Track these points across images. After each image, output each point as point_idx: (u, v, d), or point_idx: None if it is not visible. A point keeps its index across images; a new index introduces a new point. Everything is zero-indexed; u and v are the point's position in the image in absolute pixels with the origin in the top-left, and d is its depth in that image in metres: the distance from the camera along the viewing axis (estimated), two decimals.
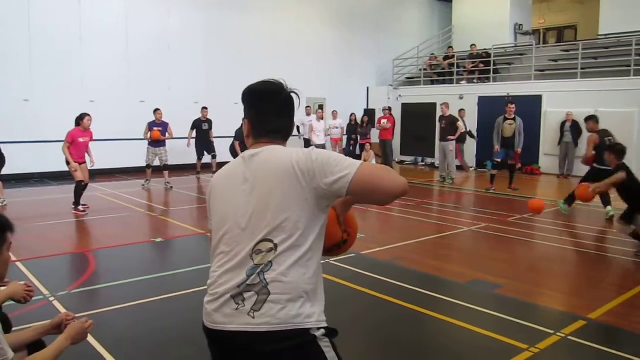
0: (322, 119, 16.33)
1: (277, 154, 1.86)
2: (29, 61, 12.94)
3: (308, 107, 16.86)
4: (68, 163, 8.98)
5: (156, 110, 12.33)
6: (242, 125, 2.07)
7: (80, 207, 9.09)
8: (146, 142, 12.45)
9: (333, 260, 6.15)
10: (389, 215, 9.32)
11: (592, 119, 9.61)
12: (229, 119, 14.70)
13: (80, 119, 9.15)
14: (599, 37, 17.91)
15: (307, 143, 15.39)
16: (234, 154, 12.63)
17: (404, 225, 8.66)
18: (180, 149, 14.01)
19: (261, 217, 1.78)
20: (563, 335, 4.14)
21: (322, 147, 14.03)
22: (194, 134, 14.10)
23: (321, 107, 17.50)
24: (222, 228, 1.87)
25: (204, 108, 14.24)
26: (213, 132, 14.36)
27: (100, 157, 12.39)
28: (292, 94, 1.98)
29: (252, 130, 1.98)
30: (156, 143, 12.32)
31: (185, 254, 6.86)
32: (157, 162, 12.36)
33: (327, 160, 1.75)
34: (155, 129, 12.19)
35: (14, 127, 12.56)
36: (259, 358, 1.76)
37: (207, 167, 14.57)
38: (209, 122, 14.28)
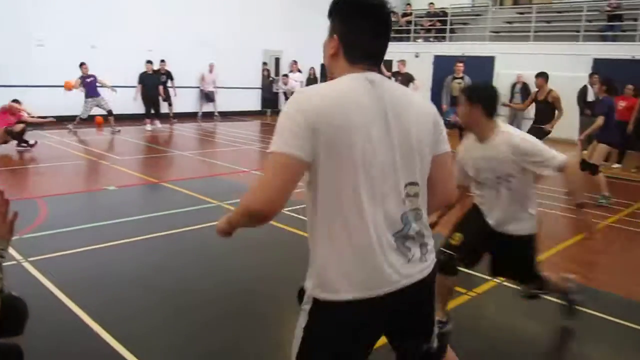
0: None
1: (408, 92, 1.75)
2: None
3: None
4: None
5: (82, 65, 12.32)
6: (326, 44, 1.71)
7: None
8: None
9: (286, 210, 6.29)
10: None
11: (542, 75, 9.70)
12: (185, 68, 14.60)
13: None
14: (553, 1, 18.26)
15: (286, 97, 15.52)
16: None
17: None
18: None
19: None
20: (499, 281, 4.45)
21: None
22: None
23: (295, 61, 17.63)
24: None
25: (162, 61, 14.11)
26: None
27: (51, 104, 12.15)
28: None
29: (347, 51, 1.68)
30: (93, 92, 12.38)
31: (137, 202, 6.89)
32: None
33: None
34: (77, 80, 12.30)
35: None
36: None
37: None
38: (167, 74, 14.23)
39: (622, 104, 10.54)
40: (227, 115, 17.04)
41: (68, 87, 12.11)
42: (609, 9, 14.57)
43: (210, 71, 16.11)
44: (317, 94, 1.59)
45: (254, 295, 4.10)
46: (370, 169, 1.55)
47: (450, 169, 1.88)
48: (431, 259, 1.75)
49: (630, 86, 10.76)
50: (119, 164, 8.99)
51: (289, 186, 1.52)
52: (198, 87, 16.40)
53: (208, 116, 16.56)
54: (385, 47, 1.72)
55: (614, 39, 14.49)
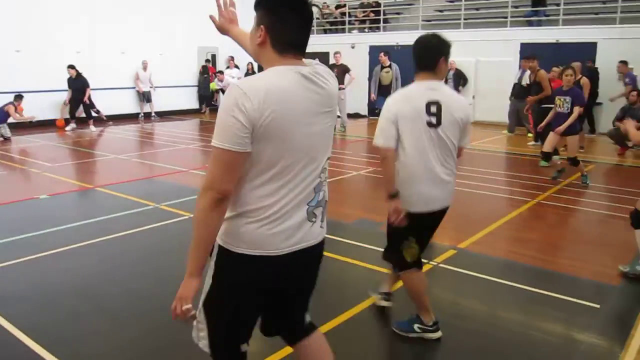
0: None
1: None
2: None
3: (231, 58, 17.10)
4: None
5: None
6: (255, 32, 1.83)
7: None
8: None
9: None
10: None
11: (535, 57, 10.21)
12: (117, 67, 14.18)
13: None
14: None
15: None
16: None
17: None
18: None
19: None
20: (435, 263, 4.59)
21: None
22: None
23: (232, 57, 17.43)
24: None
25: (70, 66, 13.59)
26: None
27: None
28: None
29: (274, 41, 1.81)
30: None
31: (71, 209, 6.67)
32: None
33: None
34: None
35: None
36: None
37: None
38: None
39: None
40: (165, 115, 16.72)
41: None
42: None
43: (145, 69, 15.73)
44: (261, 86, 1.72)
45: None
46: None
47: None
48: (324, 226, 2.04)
49: (555, 68, 11.18)
50: (51, 171, 8.67)
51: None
52: (133, 88, 15.98)
53: (146, 117, 16.19)
54: (308, 38, 1.85)
55: (539, 23, 15.05)
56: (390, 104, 3.05)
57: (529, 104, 10.38)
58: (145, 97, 16.01)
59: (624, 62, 12.00)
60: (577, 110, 7.34)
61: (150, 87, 15.92)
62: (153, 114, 16.19)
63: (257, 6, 1.83)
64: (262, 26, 1.80)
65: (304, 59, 1.86)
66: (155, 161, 9.80)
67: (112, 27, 15.09)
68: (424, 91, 3.02)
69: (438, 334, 3.32)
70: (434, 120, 2.97)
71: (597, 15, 14.17)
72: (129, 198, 6.80)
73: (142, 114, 16.10)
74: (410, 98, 3.03)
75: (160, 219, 5.91)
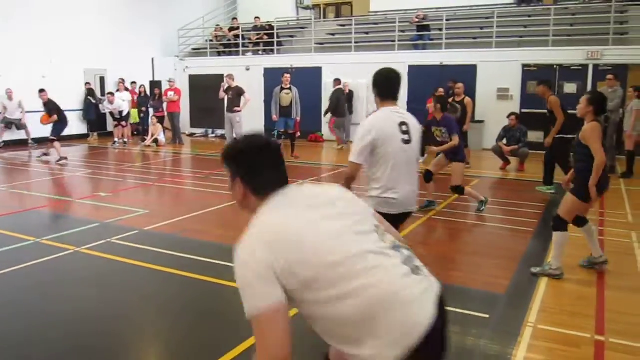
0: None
1: None
2: None
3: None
4: None
5: None
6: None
7: None
8: None
9: (115, 239, 5.91)
10: (177, 189, 9.19)
11: (543, 83, 8.89)
12: None
13: None
14: (370, 13, 19.53)
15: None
16: None
17: (192, 197, 8.63)
18: None
19: None
20: None
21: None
22: None
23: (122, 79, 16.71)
24: None
25: None
26: None
27: None
28: None
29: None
30: None
31: None
32: None
33: None
34: None
35: None
36: None
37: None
38: None
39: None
40: (46, 142, 15.64)
41: None
42: (416, 19, 15.92)
43: (10, 98, 14.52)
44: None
45: (79, 336, 3.75)
46: None
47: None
48: None
49: (440, 89, 11.78)
50: None
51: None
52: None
53: (21, 144, 14.94)
54: (285, 172, 1.91)
55: (425, 47, 15.87)
56: (367, 128, 3.48)
57: (550, 140, 8.53)
58: (16, 126, 14.83)
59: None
60: (455, 139, 7.14)
61: (21, 114, 14.68)
62: (30, 141, 15.01)
63: (227, 163, 1.90)
64: (237, 179, 1.87)
65: None
66: (37, 191, 9.08)
67: None
68: (393, 114, 3.55)
69: None
70: (407, 137, 3.51)
71: (476, 40, 15.18)
72: (3, 233, 6.22)
73: (2, 142, 14.69)
74: (385, 120, 3.51)
75: (41, 255, 5.44)
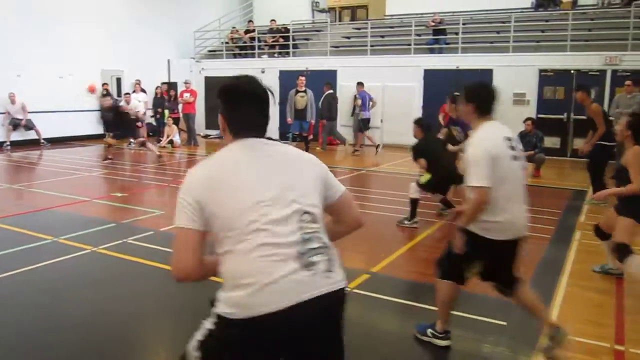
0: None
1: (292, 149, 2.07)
2: None
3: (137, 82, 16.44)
4: None
5: None
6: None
7: None
8: None
9: (131, 239, 5.95)
10: None
11: (582, 89, 8.35)
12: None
13: None
14: (386, 17, 19.51)
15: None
16: None
17: None
18: None
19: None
20: (349, 289, 4.55)
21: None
22: None
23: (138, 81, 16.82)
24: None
25: None
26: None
27: None
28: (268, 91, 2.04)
29: (230, 127, 2.02)
30: None
31: None
32: None
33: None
34: None
35: None
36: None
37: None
38: None
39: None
40: (64, 142, 15.82)
41: None
42: (433, 23, 15.88)
43: (13, 102, 14.46)
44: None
45: (93, 335, 3.78)
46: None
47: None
48: None
49: (457, 92, 11.73)
50: None
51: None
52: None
53: (32, 144, 15.03)
54: (266, 119, 2.02)
55: (441, 51, 15.82)
56: (483, 146, 3.17)
57: (588, 147, 8.22)
58: (25, 127, 14.80)
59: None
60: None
61: (24, 114, 14.67)
62: (42, 141, 15.13)
63: (218, 96, 2.03)
64: (221, 114, 2.01)
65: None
66: (53, 190, 9.17)
67: (8, 49, 14.19)
68: (498, 130, 3.30)
69: (446, 342, 3.59)
70: (515, 153, 3.27)
71: (493, 44, 15.11)
72: (22, 232, 6.29)
73: (8, 143, 14.60)
74: (493, 137, 3.23)
75: (59, 254, 5.49)
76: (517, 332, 3.86)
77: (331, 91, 14.66)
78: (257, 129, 1.99)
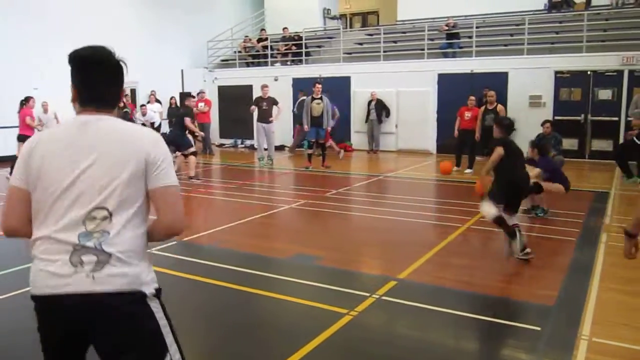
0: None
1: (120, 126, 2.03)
2: None
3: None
4: None
5: None
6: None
7: None
8: None
9: (155, 250, 5.94)
10: (210, 199, 9.24)
11: None
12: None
13: None
14: (398, 22, 19.50)
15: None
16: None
17: (226, 208, 8.66)
18: None
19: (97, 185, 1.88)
20: (377, 296, 4.51)
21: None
22: None
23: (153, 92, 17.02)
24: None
25: None
26: None
27: None
28: (121, 63, 2.07)
29: (79, 97, 1.99)
30: None
31: None
32: None
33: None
34: None
35: None
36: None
37: None
38: None
39: (468, 115, 11.42)
40: None
41: None
42: (446, 28, 15.83)
43: (45, 111, 14.69)
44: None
45: None
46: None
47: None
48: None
49: (472, 97, 11.69)
50: None
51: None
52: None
53: None
54: (110, 91, 2.06)
55: (454, 55, 15.76)
56: None
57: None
58: None
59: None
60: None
61: (57, 124, 14.94)
62: None
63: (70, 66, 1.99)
64: (72, 85, 1.99)
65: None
66: None
67: (25, 63, 14.36)
68: None
69: None
70: None
71: (507, 47, 15.02)
72: None
73: None
74: None
75: None
76: (553, 338, 3.79)
77: (305, 97, 14.54)
78: (102, 100, 2.00)
